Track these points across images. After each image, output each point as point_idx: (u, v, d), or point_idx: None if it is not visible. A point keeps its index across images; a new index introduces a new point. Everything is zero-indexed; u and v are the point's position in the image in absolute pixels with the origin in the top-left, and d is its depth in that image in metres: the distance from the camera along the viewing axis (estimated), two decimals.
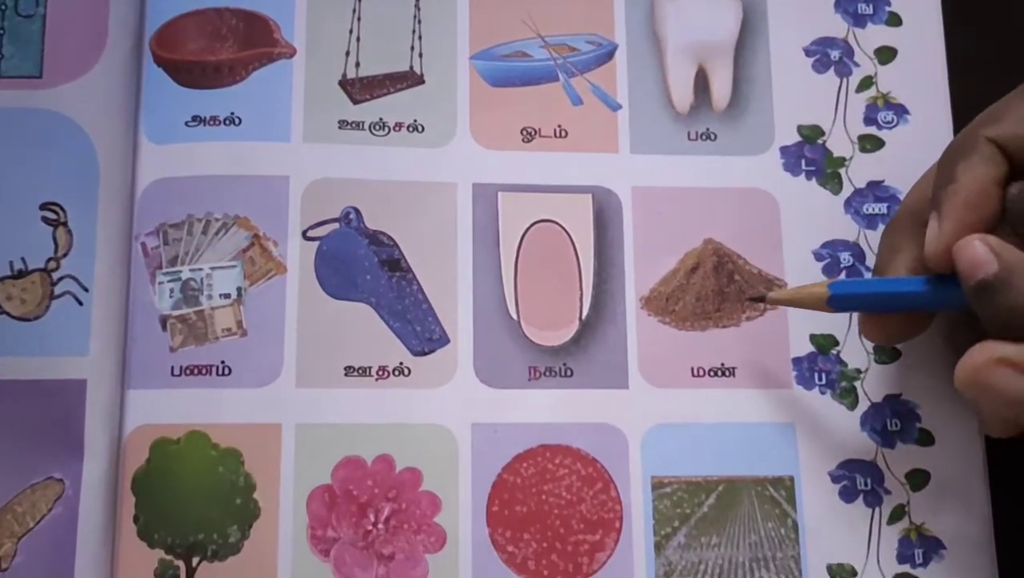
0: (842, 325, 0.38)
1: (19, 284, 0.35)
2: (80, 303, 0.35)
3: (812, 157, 0.40)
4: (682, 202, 0.39)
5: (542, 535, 0.36)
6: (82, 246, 0.36)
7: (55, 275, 0.35)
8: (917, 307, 0.32)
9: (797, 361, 0.38)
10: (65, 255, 0.36)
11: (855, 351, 0.38)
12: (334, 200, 0.38)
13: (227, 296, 0.37)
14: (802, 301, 0.34)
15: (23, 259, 0.35)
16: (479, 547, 0.36)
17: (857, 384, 0.38)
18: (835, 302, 0.33)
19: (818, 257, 0.39)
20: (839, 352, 0.38)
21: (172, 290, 0.37)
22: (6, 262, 0.35)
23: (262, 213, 0.37)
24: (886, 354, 0.38)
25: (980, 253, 0.29)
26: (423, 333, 0.37)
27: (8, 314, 0.35)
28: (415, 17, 0.40)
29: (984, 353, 0.29)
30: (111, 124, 0.37)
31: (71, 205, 0.36)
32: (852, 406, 0.38)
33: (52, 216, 0.36)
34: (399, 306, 0.37)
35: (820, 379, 0.38)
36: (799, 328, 0.38)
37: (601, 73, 0.40)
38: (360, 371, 0.37)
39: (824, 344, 0.38)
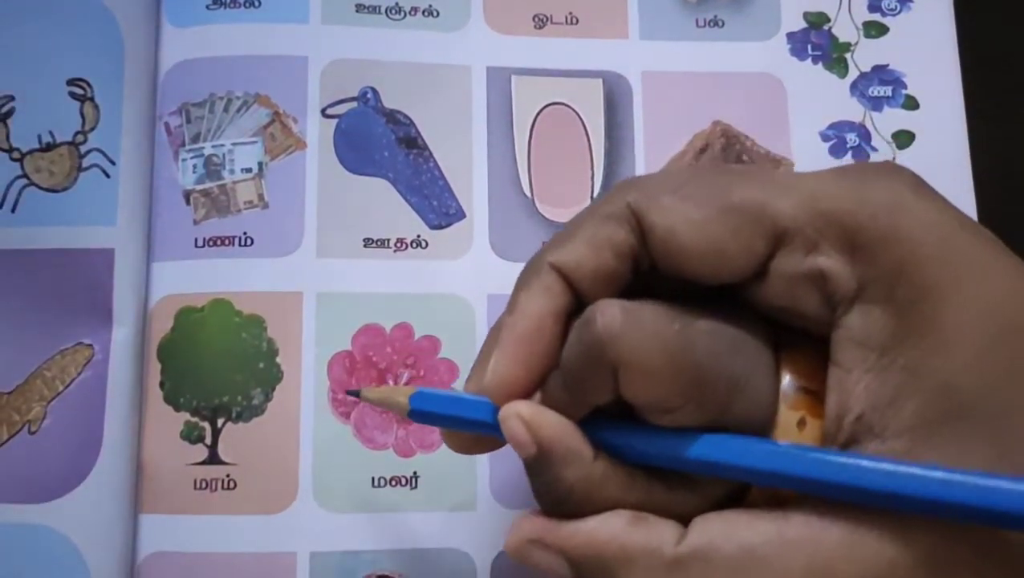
0: None
1: (47, 156, 0.36)
2: (107, 176, 0.37)
3: (818, 42, 0.41)
4: (691, 86, 0.40)
5: None
6: (109, 121, 0.37)
7: (83, 148, 0.36)
8: (489, 432, 0.28)
9: None
10: (92, 129, 0.37)
11: None
12: (351, 80, 0.39)
13: (248, 170, 0.38)
14: (389, 406, 0.31)
15: (51, 132, 0.36)
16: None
17: None
18: (415, 416, 0.30)
19: (824, 138, 0.40)
20: None
21: (195, 166, 0.38)
22: (34, 135, 0.36)
23: (282, 92, 0.38)
24: None
25: (518, 433, 0.27)
26: (440, 208, 0.38)
27: (37, 185, 0.36)
28: None
29: (517, 533, 0.28)
30: (135, 6, 0.38)
31: (98, 82, 0.37)
32: None
33: (79, 91, 0.37)
34: (416, 182, 0.38)
35: None
36: None
37: None
38: (379, 243, 0.38)
39: None
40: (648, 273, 0.27)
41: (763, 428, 0.26)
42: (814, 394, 0.26)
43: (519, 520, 0.28)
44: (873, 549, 0.24)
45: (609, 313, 0.25)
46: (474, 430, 0.29)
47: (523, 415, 0.27)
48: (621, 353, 0.25)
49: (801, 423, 0.26)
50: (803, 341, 0.27)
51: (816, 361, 0.26)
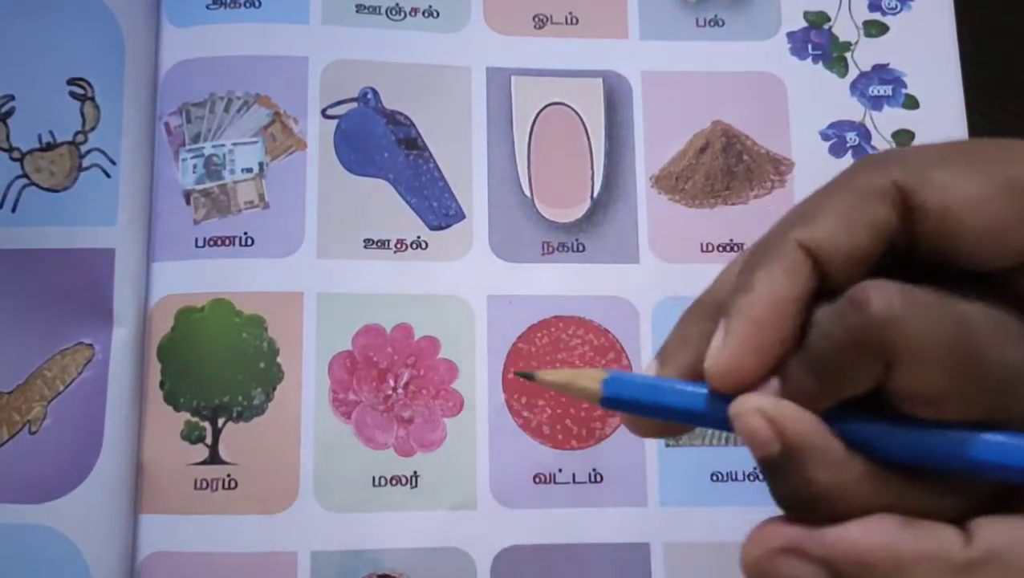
0: None
1: (48, 156, 0.36)
2: (108, 175, 0.37)
3: (818, 42, 0.41)
4: (691, 86, 0.40)
5: (556, 401, 0.37)
6: (109, 121, 0.37)
7: (83, 148, 0.37)
8: (697, 424, 0.26)
9: None
10: (92, 129, 0.37)
11: None
12: (352, 81, 0.39)
13: (249, 170, 0.38)
14: (574, 392, 0.27)
15: (51, 132, 0.36)
16: (495, 412, 0.37)
17: None
18: (608, 403, 0.27)
19: (824, 137, 0.40)
20: None
21: (195, 166, 0.38)
22: (35, 135, 0.36)
23: (282, 92, 0.39)
24: None
25: (759, 430, 0.24)
26: (440, 208, 0.38)
27: (37, 185, 0.36)
28: None
29: (765, 541, 0.24)
30: (136, 6, 0.38)
31: (98, 82, 0.37)
32: None
33: (80, 91, 0.37)
34: (416, 183, 0.38)
35: None
36: None
37: None
38: (379, 244, 0.38)
39: None
40: (896, 256, 0.25)
41: None
42: None
43: (762, 528, 0.24)
44: None
45: (886, 294, 0.23)
46: (678, 420, 0.26)
47: (765, 410, 0.24)
48: (901, 339, 0.23)
49: None
50: None
51: None
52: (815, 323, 0.24)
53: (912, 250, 0.25)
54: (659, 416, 0.26)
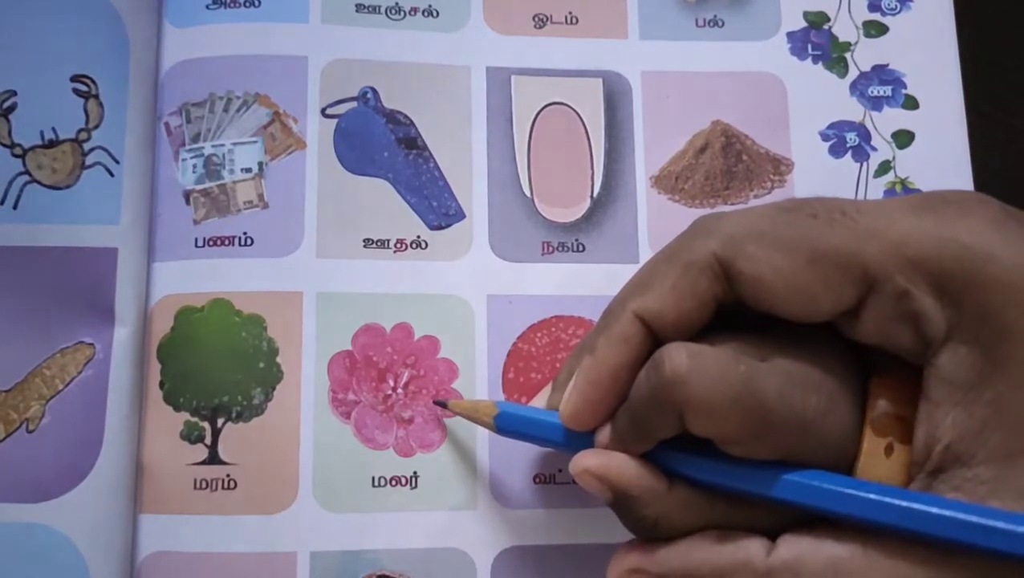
0: None
1: (50, 153, 0.36)
2: (111, 174, 0.37)
3: (818, 42, 0.41)
4: (691, 86, 0.40)
5: None
6: (113, 119, 0.37)
7: (86, 146, 0.36)
8: (569, 450, 0.31)
9: None
10: (96, 127, 0.37)
11: None
12: (351, 80, 0.39)
13: (248, 170, 0.38)
14: (476, 420, 0.34)
15: (54, 129, 0.36)
16: None
17: None
18: (502, 433, 0.33)
19: (824, 137, 0.40)
20: None
21: (195, 166, 0.38)
22: (37, 132, 0.36)
23: (281, 91, 0.38)
24: None
25: (591, 485, 0.29)
26: (439, 208, 0.38)
27: (39, 182, 0.36)
28: None
29: (619, 564, 0.29)
30: (140, 5, 0.38)
31: (102, 79, 0.37)
32: None
33: (83, 88, 0.37)
34: (416, 182, 0.38)
35: None
36: None
37: None
38: (379, 243, 0.38)
39: None
40: (736, 305, 0.29)
41: (843, 456, 0.27)
42: (903, 420, 0.27)
43: (620, 553, 0.29)
44: (955, 572, 0.25)
45: (676, 357, 0.27)
46: (549, 446, 0.32)
47: (591, 469, 0.29)
48: (687, 395, 0.26)
49: (888, 449, 0.27)
50: (894, 365, 0.28)
51: (907, 387, 0.27)
52: (637, 380, 0.28)
53: (741, 304, 0.28)
54: (538, 444, 0.33)
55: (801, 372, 0.27)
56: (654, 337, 0.29)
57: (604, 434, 0.30)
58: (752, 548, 0.27)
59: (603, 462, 0.29)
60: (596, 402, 0.29)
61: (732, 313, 0.29)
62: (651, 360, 0.28)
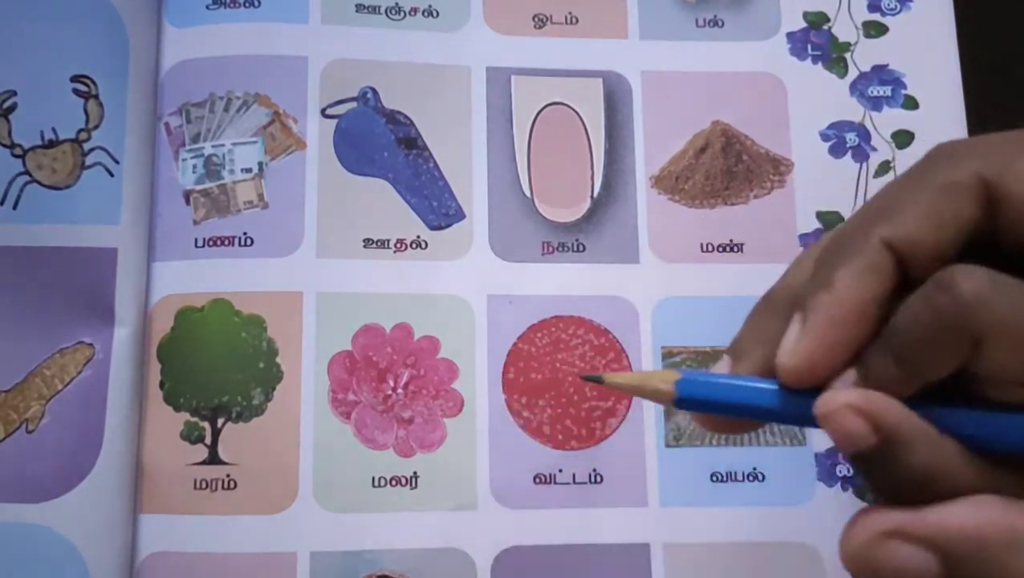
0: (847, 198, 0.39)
1: (50, 153, 0.36)
2: (111, 174, 0.37)
3: (818, 42, 0.41)
4: (691, 86, 0.40)
5: (556, 401, 0.37)
6: (113, 120, 0.37)
7: (86, 146, 0.36)
8: (771, 421, 0.26)
9: (804, 237, 0.39)
10: (96, 127, 0.37)
11: None
12: (351, 80, 0.39)
13: (248, 170, 0.38)
14: (647, 394, 0.27)
15: (54, 129, 0.36)
16: (495, 412, 0.37)
17: None
18: (683, 404, 0.26)
19: (824, 137, 0.40)
20: None
21: (195, 166, 0.38)
22: (37, 132, 0.36)
23: (281, 92, 0.38)
24: None
25: (854, 427, 0.24)
26: (439, 208, 0.38)
27: (39, 183, 0.36)
28: None
29: (868, 527, 0.24)
30: (140, 5, 0.38)
31: (102, 79, 0.37)
32: None
33: (83, 88, 0.37)
34: (416, 182, 0.38)
35: None
36: (806, 206, 0.39)
37: None
38: (378, 243, 0.38)
39: (831, 220, 0.39)
40: (973, 248, 0.24)
41: None
42: None
43: (861, 516, 0.24)
44: None
45: (975, 276, 0.23)
46: (752, 417, 0.26)
47: (857, 405, 0.24)
48: (989, 320, 0.22)
49: None
50: None
51: None
52: (899, 310, 0.24)
53: (991, 241, 0.24)
54: (733, 414, 0.26)
55: None
56: (903, 273, 0.24)
57: (849, 378, 0.24)
58: None
59: (870, 398, 0.24)
60: (836, 346, 0.24)
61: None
62: (932, 282, 0.23)
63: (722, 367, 0.27)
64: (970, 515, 0.23)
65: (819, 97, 0.40)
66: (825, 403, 0.24)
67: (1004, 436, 0.24)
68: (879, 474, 0.24)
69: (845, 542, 0.24)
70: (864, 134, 0.40)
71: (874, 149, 0.40)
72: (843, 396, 0.24)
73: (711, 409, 0.27)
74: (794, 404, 0.25)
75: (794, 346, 0.24)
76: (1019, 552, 0.22)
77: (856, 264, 0.24)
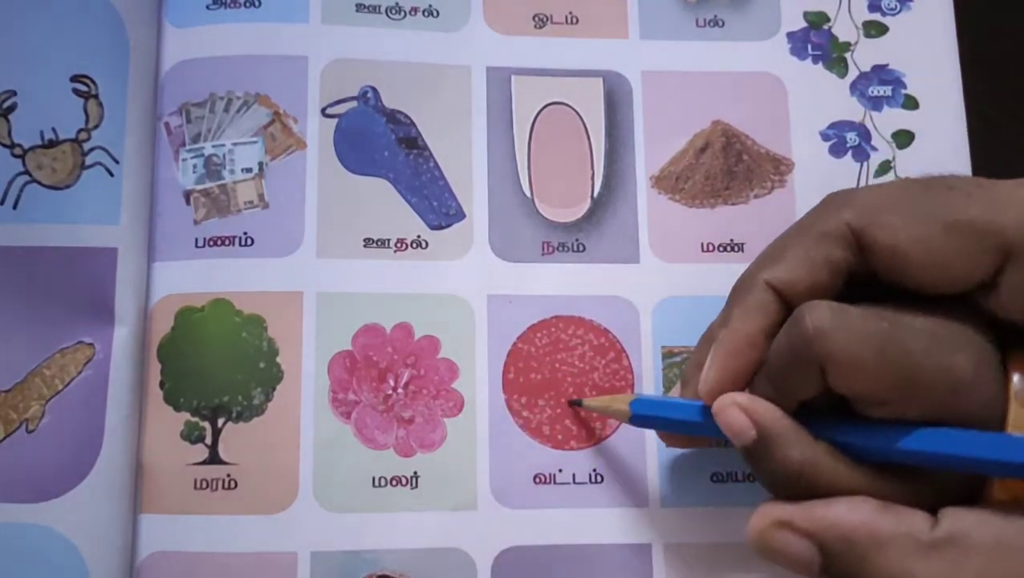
0: None
1: (50, 153, 0.36)
2: (111, 174, 0.37)
3: (818, 42, 0.41)
4: (691, 86, 0.40)
5: (556, 401, 0.37)
6: (113, 120, 0.37)
7: (86, 146, 0.36)
8: (701, 433, 0.31)
9: None
10: (96, 127, 0.37)
11: None
12: (352, 80, 0.39)
13: (249, 170, 0.38)
14: (610, 414, 0.35)
15: (54, 129, 0.36)
16: (495, 412, 0.37)
17: None
18: (636, 421, 0.33)
19: (824, 137, 0.40)
20: None
21: (195, 166, 0.38)
22: (37, 131, 0.36)
23: (282, 91, 0.38)
24: None
25: (736, 419, 0.28)
26: (440, 208, 0.38)
27: (39, 182, 0.36)
28: None
29: (764, 517, 0.28)
30: (140, 5, 0.38)
31: (102, 79, 0.37)
32: None
33: (83, 88, 0.37)
34: (416, 182, 0.38)
35: None
36: (806, 205, 0.39)
37: None
38: (379, 243, 0.38)
39: None
40: (865, 280, 0.28)
41: (989, 426, 0.26)
42: None
43: (763, 506, 0.28)
44: None
45: (818, 311, 0.27)
46: (689, 432, 0.32)
47: (739, 403, 0.28)
48: (829, 348, 0.26)
49: None
50: None
51: None
52: (776, 339, 0.28)
53: (872, 278, 0.28)
54: (673, 429, 0.33)
55: (945, 332, 0.27)
56: (787, 309, 0.29)
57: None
58: (915, 520, 0.26)
59: (751, 400, 0.28)
60: (735, 372, 0.29)
61: (861, 290, 0.29)
62: (791, 318, 0.28)
63: (675, 392, 0.34)
64: (843, 514, 0.27)
65: (819, 97, 0.40)
66: (720, 402, 0.29)
67: (868, 444, 0.27)
68: (762, 467, 0.28)
69: (749, 528, 0.28)
70: (864, 134, 0.40)
71: (874, 149, 0.40)
72: (732, 397, 0.29)
73: (657, 425, 0.33)
74: (713, 421, 0.30)
75: (706, 374, 0.30)
76: (880, 551, 0.26)
77: (746, 303, 0.29)
